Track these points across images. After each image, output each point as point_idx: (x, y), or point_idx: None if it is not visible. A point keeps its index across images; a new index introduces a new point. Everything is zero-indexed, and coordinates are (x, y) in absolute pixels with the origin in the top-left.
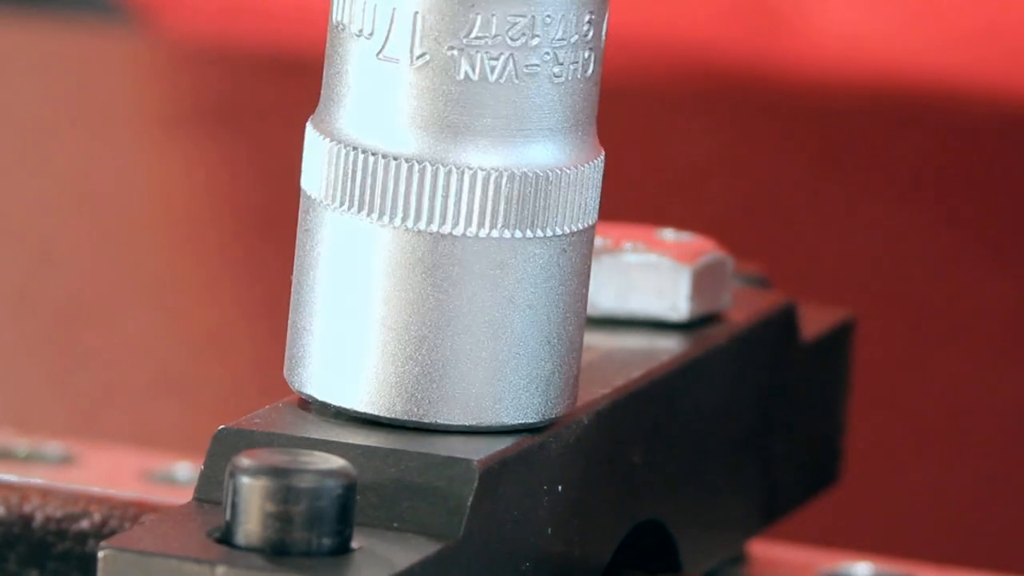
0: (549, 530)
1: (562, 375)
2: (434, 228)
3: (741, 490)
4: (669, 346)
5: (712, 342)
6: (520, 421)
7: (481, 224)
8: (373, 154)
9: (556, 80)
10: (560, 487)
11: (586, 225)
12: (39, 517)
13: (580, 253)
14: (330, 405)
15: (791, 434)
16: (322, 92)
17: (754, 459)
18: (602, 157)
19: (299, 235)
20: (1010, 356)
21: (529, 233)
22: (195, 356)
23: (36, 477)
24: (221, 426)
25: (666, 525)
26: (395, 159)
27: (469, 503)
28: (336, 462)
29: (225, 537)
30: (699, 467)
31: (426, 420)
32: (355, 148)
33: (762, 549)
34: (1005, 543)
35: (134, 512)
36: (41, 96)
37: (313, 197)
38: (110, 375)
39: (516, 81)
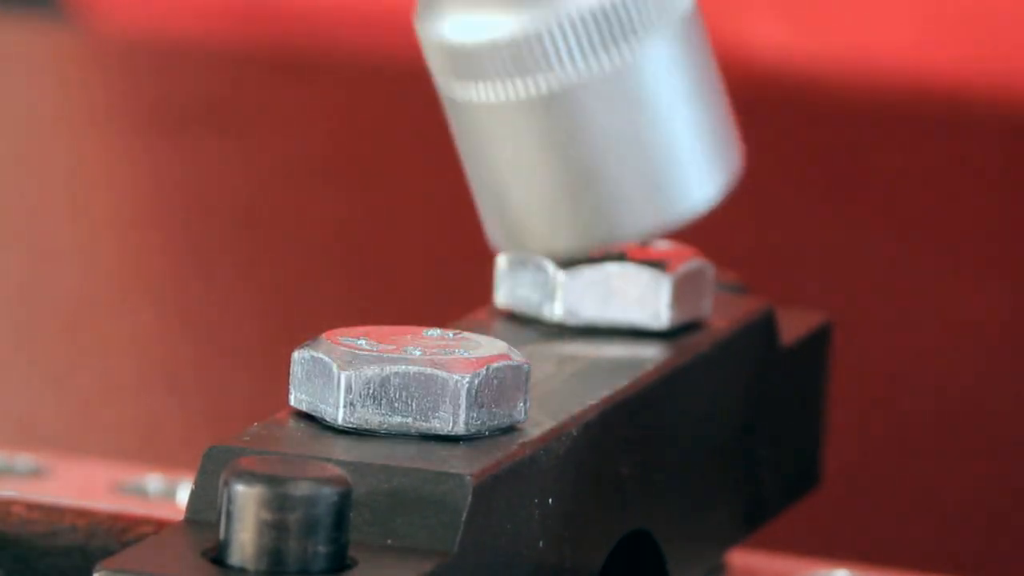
0: (541, 543)
1: (722, 146)
2: (555, 87)
3: (726, 497)
4: (653, 355)
5: (695, 350)
6: (698, 202)
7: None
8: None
9: None
10: (551, 499)
11: (687, 5)
12: (24, 531)
13: (696, 30)
14: (531, 250)
15: (774, 439)
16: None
17: (738, 466)
18: None
19: (450, 127)
20: (1002, 361)
21: (635, 43)
22: (193, 356)
23: (7, 490)
24: (211, 445)
25: (653, 534)
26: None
27: (464, 518)
28: (331, 470)
29: (220, 555)
30: (685, 475)
31: (616, 235)
32: (463, 40)
33: (740, 557)
34: (985, 551)
35: (120, 526)
36: (40, 96)
37: (444, 88)
38: (109, 375)
39: None
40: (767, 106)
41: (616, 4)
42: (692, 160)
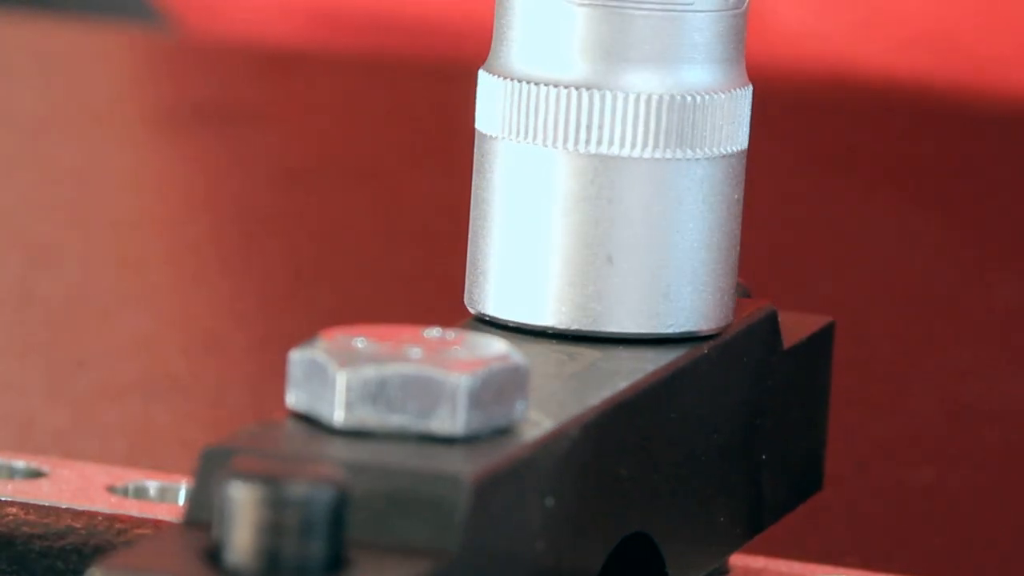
0: (539, 545)
1: (718, 290)
2: (600, 150)
3: (727, 500)
4: (654, 356)
5: (697, 351)
6: (683, 329)
7: (643, 145)
8: (544, 84)
9: (710, 13)
10: (550, 501)
11: (737, 149)
12: (22, 533)
13: (735, 175)
14: (509, 322)
15: (776, 442)
16: (493, 40)
17: (740, 469)
18: (751, 88)
19: (475, 172)
20: (1007, 362)
21: (680, 153)
22: (192, 356)
23: (4, 493)
24: (207, 445)
25: (653, 537)
26: (565, 87)
27: (462, 519)
28: (328, 470)
29: (216, 556)
30: (686, 478)
31: (598, 330)
32: (527, 81)
33: (742, 561)
34: (988, 553)
35: (118, 528)
36: (39, 95)
37: (488, 135)
38: (108, 377)
39: (674, 13)
40: (768, 105)
41: None
42: (701, 286)
